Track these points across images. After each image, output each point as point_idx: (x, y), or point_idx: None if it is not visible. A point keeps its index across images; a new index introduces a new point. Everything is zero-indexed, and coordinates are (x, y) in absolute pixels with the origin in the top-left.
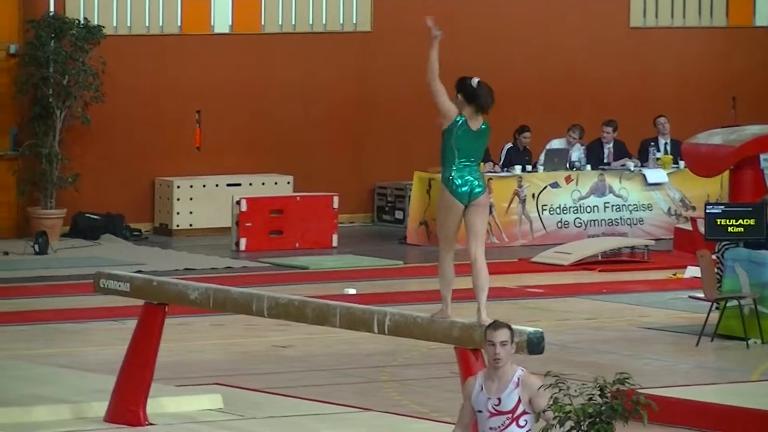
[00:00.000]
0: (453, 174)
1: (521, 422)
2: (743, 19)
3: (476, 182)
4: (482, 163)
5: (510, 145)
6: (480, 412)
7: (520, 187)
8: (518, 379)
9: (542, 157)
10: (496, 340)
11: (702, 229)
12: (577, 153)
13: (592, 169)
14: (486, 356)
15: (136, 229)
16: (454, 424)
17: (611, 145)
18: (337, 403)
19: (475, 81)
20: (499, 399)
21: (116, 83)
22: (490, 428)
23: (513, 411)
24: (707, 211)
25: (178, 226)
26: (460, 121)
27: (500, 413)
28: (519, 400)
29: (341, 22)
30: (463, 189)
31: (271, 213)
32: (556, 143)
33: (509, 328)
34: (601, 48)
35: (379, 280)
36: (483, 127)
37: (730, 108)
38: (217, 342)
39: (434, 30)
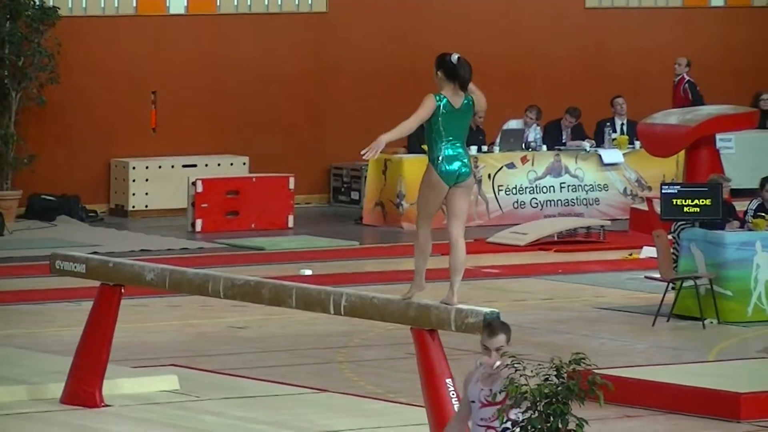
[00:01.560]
0: (441, 155)
1: (512, 415)
2: None
3: (463, 164)
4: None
5: None
6: (473, 402)
7: (476, 167)
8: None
9: (498, 138)
10: (491, 347)
11: (658, 209)
12: (533, 133)
13: (548, 149)
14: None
15: (92, 211)
16: (410, 405)
17: (570, 130)
18: (293, 384)
19: (455, 57)
20: (491, 390)
21: (72, 64)
22: (481, 419)
23: (502, 402)
24: (663, 191)
25: (134, 207)
26: (442, 102)
27: (491, 404)
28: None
29: (297, 2)
30: (450, 170)
31: (227, 194)
32: (513, 123)
33: (504, 331)
34: (557, 28)
35: (335, 260)
36: (465, 102)
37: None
38: (173, 323)
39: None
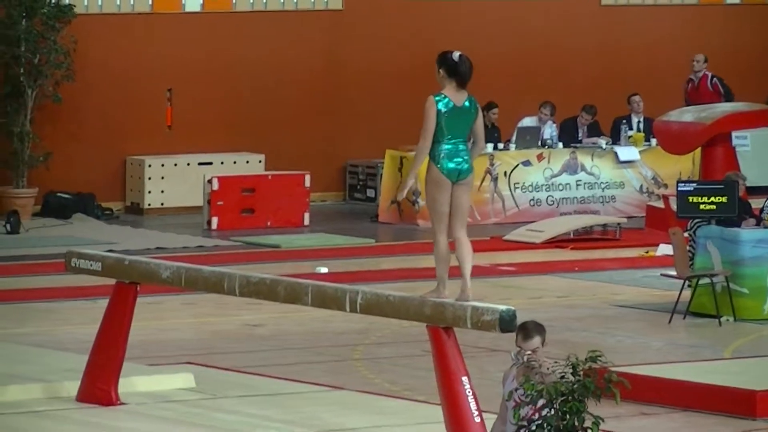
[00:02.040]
0: (442, 152)
1: (543, 412)
2: None
3: (464, 161)
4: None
5: None
6: (508, 400)
7: (492, 165)
8: (546, 370)
9: (514, 135)
10: (526, 350)
11: (674, 207)
12: (549, 130)
13: (564, 146)
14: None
15: (107, 208)
16: (426, 402)
17: (586, 127)
18: (309, 382)
19: (456, 55)
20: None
21: (87, 62)
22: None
23: (534, 407)
24: (679, 188)
25: (149, 205)
26: (443, 101)
27: (527, 403)
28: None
29: (312, 0)
30: (451, 167)
31: (242, 191)
32: (528, 121)
33: (540, 333)
34: (572, 25)
35: (350, 258)
36: (467, 103)
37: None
38: (189, 321)
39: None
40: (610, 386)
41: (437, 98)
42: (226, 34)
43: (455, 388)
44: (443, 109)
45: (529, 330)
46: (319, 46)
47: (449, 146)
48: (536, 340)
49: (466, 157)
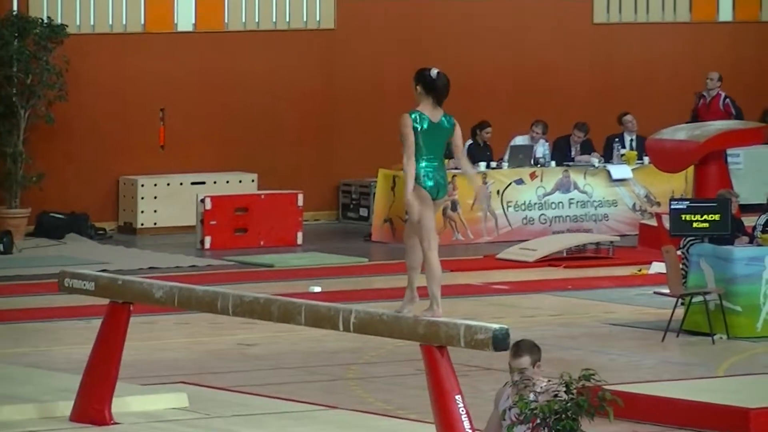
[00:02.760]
0: (421, 170)
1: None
2: (706, 15)
3: (442, 183)
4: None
5: (470, 141)
6: (503, 420)
7: (485, 183)
8: (540, 389)
9: (507, 154)
10: (515, 367)
11: (667, 225)
12: (541, 149)
13: (557, 165)
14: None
15: (100, 228)
16: (420, 421)
17: (579, 145)
18: (303, 401)
19: (434, 72)
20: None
21: (80, 82)
22: None
23: (533, 421)
24: (672, 206)
25: (142, 224)
26: (420, 117)
27: (520, 422)
28: None
29: (305, 19)
30: (431, 185)
31: (235, 211)
32: (520, 140)
33: (531, 353)
34: (565, 44)
35: (344, 277)
36: (444, 120)
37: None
38: (183, 340)
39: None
40: (604, 404)
41: (413, 115)
42: (218, 53)
43: (449, 406)
44: (420, 127)
45: (519, 348)
46: (312, 64)
47: (426, 163)
48: (525, 360)
49: (444, 180)
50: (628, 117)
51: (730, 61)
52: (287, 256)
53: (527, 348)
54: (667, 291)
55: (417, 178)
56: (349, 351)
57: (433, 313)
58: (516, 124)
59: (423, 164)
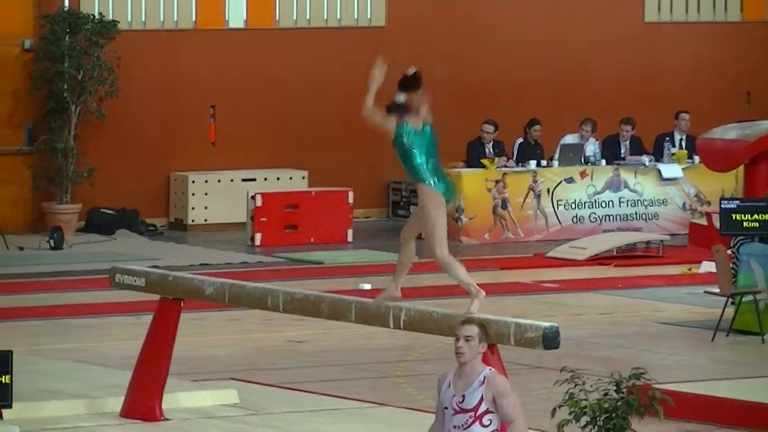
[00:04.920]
0: (435, 179)
1: (485, 421)
2: (757, 14)
3: (451, 187)
4: (495, 158)
5: (521, 139)
6: (446, 408)
7: (535, 182)
8: (484, 377)
9: (557, 152)
10: (460, 334)
11: (717, 224)
12: (591, 147)
13: (607, 164)
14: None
15: (151, 224)
16: None
17: (628, 142)
18: (352, 398)
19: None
20: (463, 396)
21: (131, 78)
22: (454, 426)
23: (476, 409)
24: (722, 206)
25: (193, 221)
26: (405, 125)
27: (463, 411)
28: (482, 399)
29: (356, 17)
30: (444, 189)
31: (286, 208)
32: (570, 138)
33: (480, 326)
34: (615, 43)
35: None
36: (425, 127)
37: (745, 103)
38: (233, 337)
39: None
40: (654, 403)
41: (398, 126)
42: (269, 50)
43: None
44: (408, 135)
45: (469, 318)
46: (362, 62)
47: (437, 173)
48: (471, 328)
49: (451, 184)
50: (685, 115)
51: None
52: (337, 254)
53: (478, 321)
54: (717, 290)
55: (437, 187)
56: (399, 348)
57: (478, 295)
58: (566, 123)
59: (433, 173)
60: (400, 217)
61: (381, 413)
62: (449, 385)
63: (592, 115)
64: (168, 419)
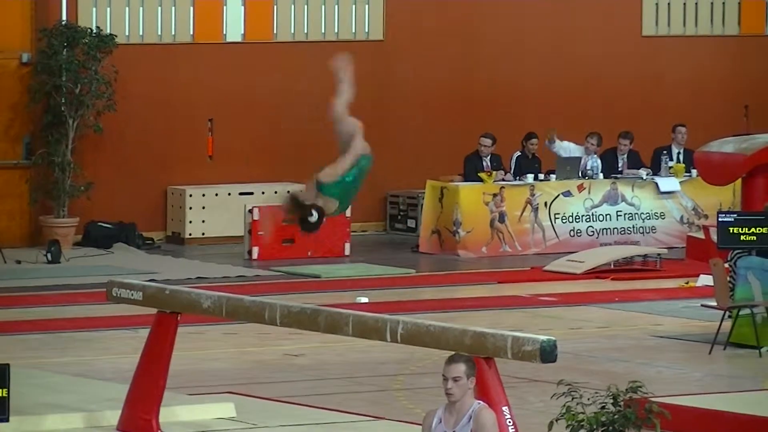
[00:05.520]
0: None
1: None
2: (755, 27)
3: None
4: (493, 172)
5: (518, 153)
6: None
7: (533, 195)
8: (472, 412)
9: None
10: (448, 376)
11: (714, 238)
12: (591, 161)
13: (605, 177)
14: None
15: (148, 238)
16: None
17: (626, 156)
18: (349, 412)
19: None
20: (454, 431)
21: (129, 92)
22: None
23: None
24: (720, 219)
25: (190, 234)
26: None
27: None
28: None
29: (353, 30)
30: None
31: (283, 221)
32: (568, 151)
33: (466, 363)
34: (613, 56)
35: (391, 288)
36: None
37: (743, 116)
38: (230, 351)
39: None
40: (651, 417)
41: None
42: (267, 64)
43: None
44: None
45: (455, 356)
46: (360, 76)
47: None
48: (458, 367)
49: None
50: (682, 128)
51: None
52: (335, 267)
53: (464, 358)
54: (714, 303)
55: None
56: (396, 362)
57: None
58: (564, 136)
59: None
60: (397, 231)
61: (378, 427)
62: (440, 421)
63: (591, 129)
64: None
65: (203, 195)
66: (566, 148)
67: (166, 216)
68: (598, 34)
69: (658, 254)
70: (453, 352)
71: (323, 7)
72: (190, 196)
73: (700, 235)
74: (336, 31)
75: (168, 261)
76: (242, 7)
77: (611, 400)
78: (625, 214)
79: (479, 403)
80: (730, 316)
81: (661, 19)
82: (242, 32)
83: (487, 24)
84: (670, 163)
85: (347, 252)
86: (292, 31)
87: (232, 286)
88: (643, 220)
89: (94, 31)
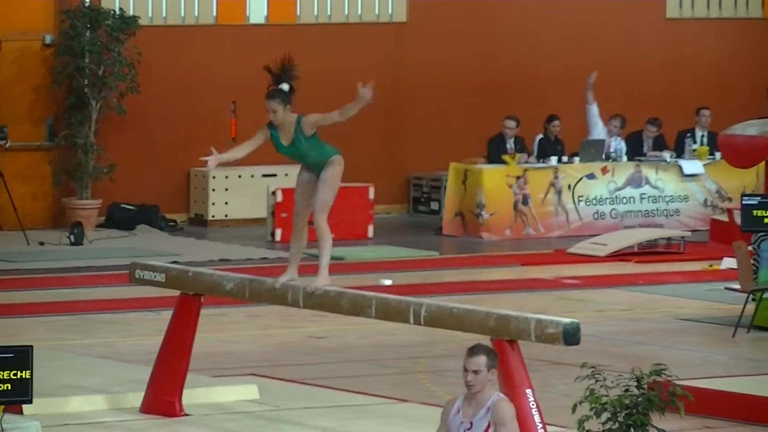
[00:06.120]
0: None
1: None
2: None
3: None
4: (516, 155)
5: (541, 135)
6: None
7: (556, 178)
8: (491, 404)
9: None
10: (469, 368)
11: (738, 221)
12: (615, 143)
13: (629, 160)
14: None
15: (171, 220)
16: None
17: (651, 141)
18: (372, 394)
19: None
20: (471, 423)
21: (151, 74)
22: None
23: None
24: (743, 202)
25: (213, 216)
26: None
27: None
28: (488, 426)
29: (376, 12)
30: None
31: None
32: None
33: (487, 354)
34: (637, 39)
35: (414, 271)
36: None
37: (766, 99)
38: (253, 333)
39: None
40: (675, 399)
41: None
42: (290, 46)
43: (519, 400)
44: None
45: (476, 348)
46: (383, 58)
47: None
48: (481, 359)
49: None
50: (706, 111)
51: None
52: (358, 249)
53: (485, 349)
54: (737, 286)
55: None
56: (419, 344)
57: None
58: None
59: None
60: (420, 213)
61: (401, 409)
62: (458, 411)
63: (614, 112)
64: (188, 415)
65: (226, 177)
66: (595, 114)
67: (189, 198)
68: (621, 17)
69: (682, 237)
70: (475, 340)
71: None
72: (213, 177)
73: (724, 217)
74: (359, 13)
75: (191, 243)
76: None
77: (635, 383)
78: (648, 196)
79: (498, 395)
80: (753, 299)
81: (685, 1)
82: (265, 14)
83: (510, 6)
84: (694, 146)
85: (371, 234)
86: (315, 13)
87: (255, 268)
88: (666, 202)
89: (117, 12)
